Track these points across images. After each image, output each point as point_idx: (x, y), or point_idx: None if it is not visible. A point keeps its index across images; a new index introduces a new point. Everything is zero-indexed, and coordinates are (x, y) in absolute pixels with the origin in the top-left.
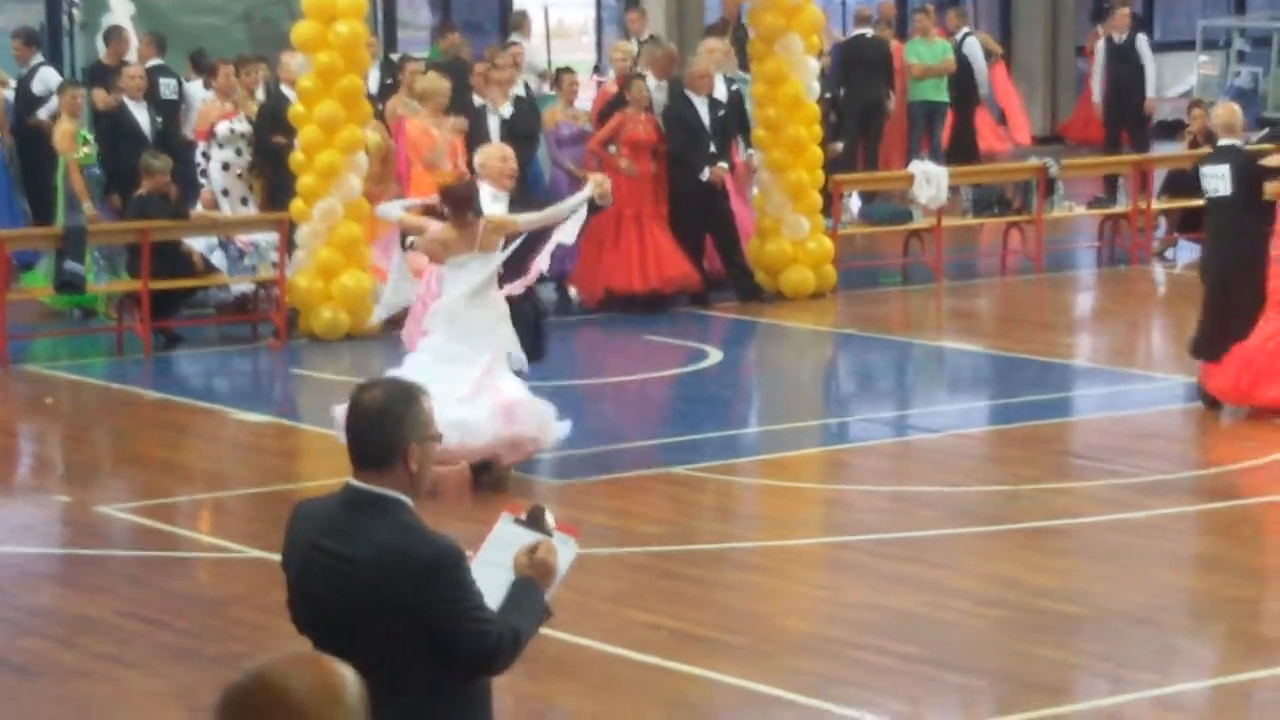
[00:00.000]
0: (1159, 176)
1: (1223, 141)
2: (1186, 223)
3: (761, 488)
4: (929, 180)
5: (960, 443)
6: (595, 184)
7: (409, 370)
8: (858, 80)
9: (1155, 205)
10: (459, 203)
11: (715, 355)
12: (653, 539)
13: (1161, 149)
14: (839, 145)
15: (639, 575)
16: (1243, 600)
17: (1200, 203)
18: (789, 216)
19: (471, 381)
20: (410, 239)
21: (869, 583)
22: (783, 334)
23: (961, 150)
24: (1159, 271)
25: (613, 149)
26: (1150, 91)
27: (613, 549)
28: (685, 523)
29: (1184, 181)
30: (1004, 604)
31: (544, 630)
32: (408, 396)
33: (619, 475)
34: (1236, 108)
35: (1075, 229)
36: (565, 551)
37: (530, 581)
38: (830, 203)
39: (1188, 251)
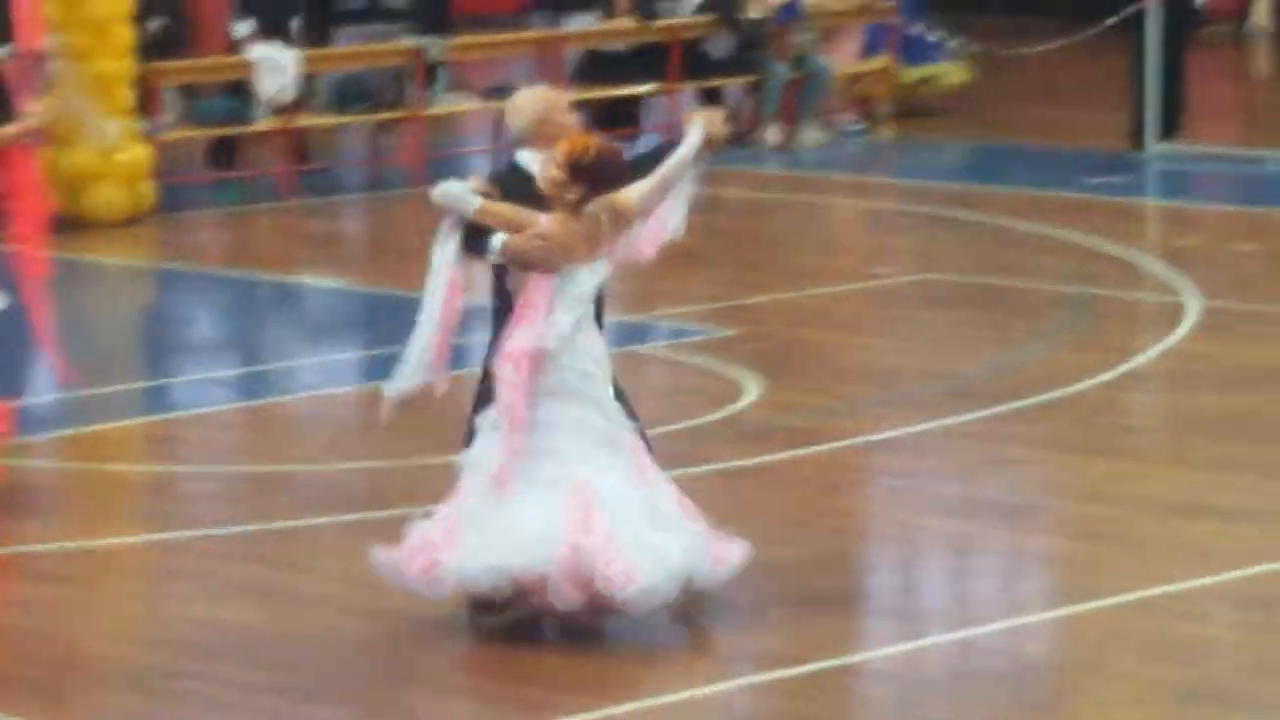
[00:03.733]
0: (571, 59)
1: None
2: (605, 117)
3: (62, 473)
4: (275, 68)
5: (325, 406)
6: (706, 121)
7: (549, 475)
8: None
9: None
10: (606, 179)
11: None
12: None
13: (574, 22)
14: (158, 22)
15: None
16: None
17: (621, 91)
18: (92, 119)
19: (670, 495)
20: (496, 240)
21: (204, 592)
22: (85, 271)
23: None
24: None
25: None
26: None
27: None
28: None
29: (602, 63)
30: (377, 614)
31: None
32: None
33: None
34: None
35: (466, 128)
36: None
37: None
38: (148, 100)
39: None
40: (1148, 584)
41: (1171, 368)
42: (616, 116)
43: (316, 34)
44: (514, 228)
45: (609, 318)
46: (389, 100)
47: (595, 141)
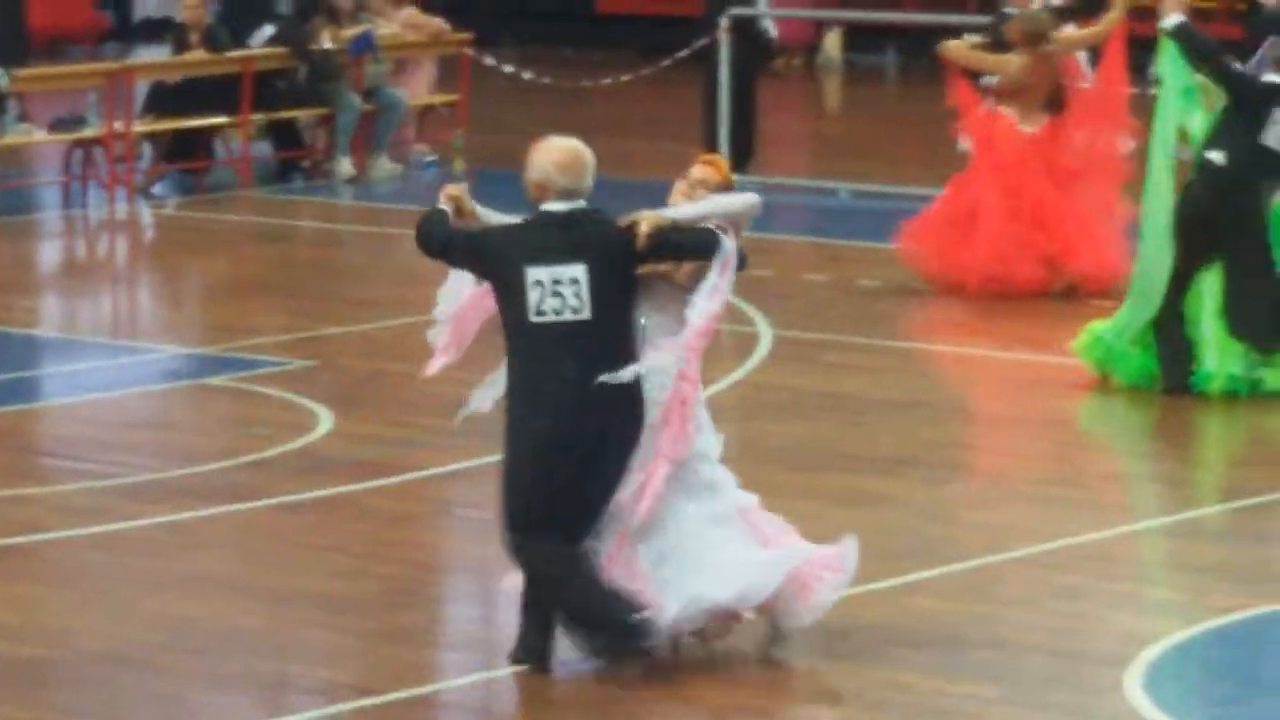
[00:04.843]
0: (141, 90)
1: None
2: (176, 149)
3: None
4: None
5: None
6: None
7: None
8: None
9: (137, 128)
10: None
11: None
12: None
13: (145, 54)
14: None
15: None
16: (254, 631)
17: (193, 123)
18: None
19: None
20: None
21: None
22: None
23: None
24: (146, 211)
25: None
26: None
27: None
28: None
29: (169, 96)
30: None
31: None
32: None
33: None
34: None
35: (35, 159)
36: None
37: None
38: None
39: (179, 185)
40: None
41: (743, 396)
42: (187, 147)
43: None
44: None
45: (181, 349)
46: None
47: None
